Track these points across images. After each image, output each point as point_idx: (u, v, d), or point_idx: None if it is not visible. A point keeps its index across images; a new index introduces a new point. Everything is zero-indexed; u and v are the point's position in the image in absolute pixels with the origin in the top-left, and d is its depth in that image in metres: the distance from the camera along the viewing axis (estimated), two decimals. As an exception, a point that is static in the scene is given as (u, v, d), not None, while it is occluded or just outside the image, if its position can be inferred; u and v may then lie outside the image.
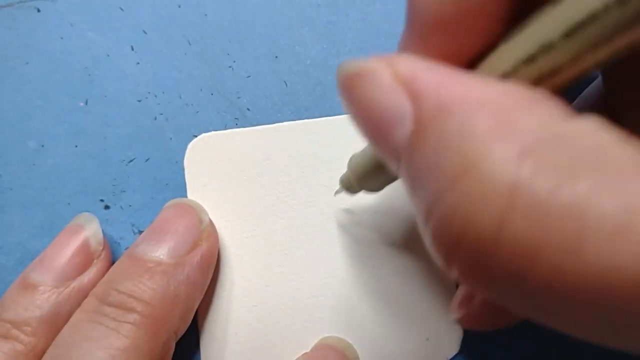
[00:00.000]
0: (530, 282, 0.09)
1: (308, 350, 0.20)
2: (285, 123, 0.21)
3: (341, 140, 0.21)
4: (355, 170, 0.18)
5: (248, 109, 0.22)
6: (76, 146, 0.21)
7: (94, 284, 0.19)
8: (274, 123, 0.21)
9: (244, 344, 0.20)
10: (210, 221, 0.20)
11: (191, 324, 0.20)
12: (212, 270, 0.20)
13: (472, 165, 0.09)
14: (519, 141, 0.09)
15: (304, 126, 0.21)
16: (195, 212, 0.20)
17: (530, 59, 0.11)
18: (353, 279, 0.21)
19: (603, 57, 0.10)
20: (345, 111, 0.12)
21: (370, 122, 0.11)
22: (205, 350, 0.20)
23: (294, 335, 0.20)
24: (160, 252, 0.18)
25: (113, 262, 0.19)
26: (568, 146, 0.09)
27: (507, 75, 0.11)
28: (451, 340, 0.20)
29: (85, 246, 0.19)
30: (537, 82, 0.11)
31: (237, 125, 0.21)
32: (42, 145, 0.21)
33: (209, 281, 0.20)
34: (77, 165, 0.21)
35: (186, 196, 0.21)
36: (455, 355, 0.20)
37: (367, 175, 0.17)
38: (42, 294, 0.18)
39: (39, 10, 0.22)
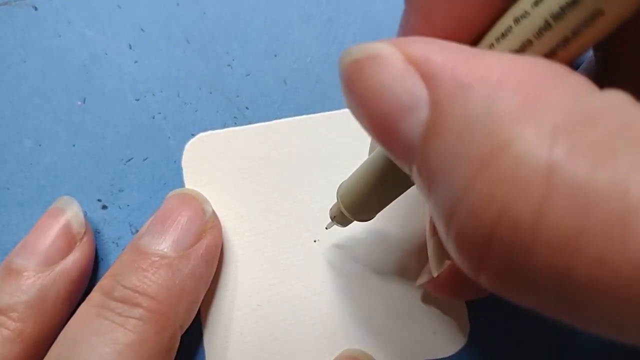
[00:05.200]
0: (572, 278, 0.08)
1: (313, 347, 0.20)
2: (282, 120, 0.21)
3: (340, 135, 0.21)
4: (344, 199, 0.17)
5: (247, 108, 0.21)
6: (74, 145, 0.21)
7: (78, 267, 0.19)
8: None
9: (249, 344, 0.20)
10: (214, 212, 0.20)
11: (196, 319, 0.19)
12: (217, 262, 0.20)
13: (503, 147, 0.08)
14: (550, 119, 0.08)
15: (302, 122, 0.21)
16: (198, 203, 0.19)
17: (542, 29, 0.10)
18: (358, 274, 0.20)
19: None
20: (347, 104, 0.11)
21: (379, 113, 0.10)
22: (209, 349, 0.20)
23: (300, 332, 0.20)
24: (165, 245, 0.18)
25: (96, 247, 0.20)
26: (600, 123, 0.08)
27: (519, 50, 0.10)
28: (458, 333, 0.20)
29: (67, 229, 0.19)
30: (550, 55, 0.10)
31: (236, 124, 0.21)
32: (39, 144, 0.21)
33: (213, 273, 0.20)
34: (75, 164, 0.21)
35: (185, 195, 0.21)
36: (462, 347, 0.20)
37: (358, 203, 0.16)
38: (27, 279, 0.18)
39: (35, 9, 0.22)
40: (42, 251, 0.18)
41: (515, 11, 0.11)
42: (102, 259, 0.21)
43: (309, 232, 0.21)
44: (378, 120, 0.10)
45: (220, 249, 0.20)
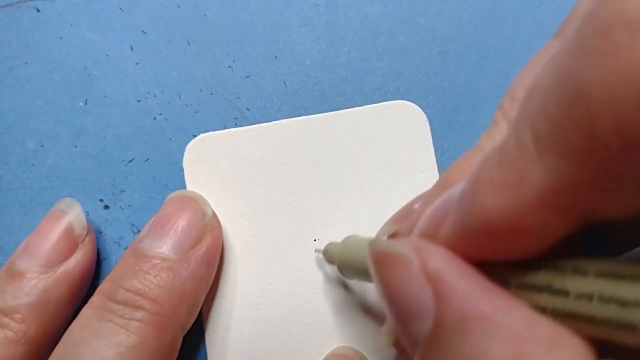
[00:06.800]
0: None
1: (313, 346, 0.20)
2: (282, 121, 0.21)
3: (338, 135, 0.21)
4: (342, 258, 0.18)
5: (247, 109, 0.22)
6: (75, 146, 0.21)
7: (80, 268, 0.19)
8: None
9: (249, 342, 0.20)
10: (214, 213, 0.20)
11: (197, 318, 0.20)
12: (217, 263, 0.20)
13: None
14: None
15: (301, 123, 0.21)
16: (197, 205, 0.19)
17: (574, 315, 0.09)
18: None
19: None
20: (374, 281, 0.12)
21: (394, 305, 0.11)
22: (211, 348, 0.20)
23: (299, 331, 0.20)
24: (165, 247, 0.18)
25: (98, 247, 0.20)
26: None
27: (533, 304, 0.10)
28: None
29: (69, 231, 0.19)
30: (566, 320, 0.09)
31: (236, 125, 0.22)
32: (42, 145, 0.21)
33: (214, 274, 0.20)
34: (77, 165, 0.21)
35: (186, 196, 0.21)
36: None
37: (352, 270, 0.17)
38: (30, 281, 0.18)
39: (38, 10, 0.22)
40: (45, 253, 0.19)
41: (558, 282, 0.10)
42: (104, 258, 0.21)
43: (308, 232, 0.21)
44: (393, 309, 0.12)
45: (220, 251, 0.20)
